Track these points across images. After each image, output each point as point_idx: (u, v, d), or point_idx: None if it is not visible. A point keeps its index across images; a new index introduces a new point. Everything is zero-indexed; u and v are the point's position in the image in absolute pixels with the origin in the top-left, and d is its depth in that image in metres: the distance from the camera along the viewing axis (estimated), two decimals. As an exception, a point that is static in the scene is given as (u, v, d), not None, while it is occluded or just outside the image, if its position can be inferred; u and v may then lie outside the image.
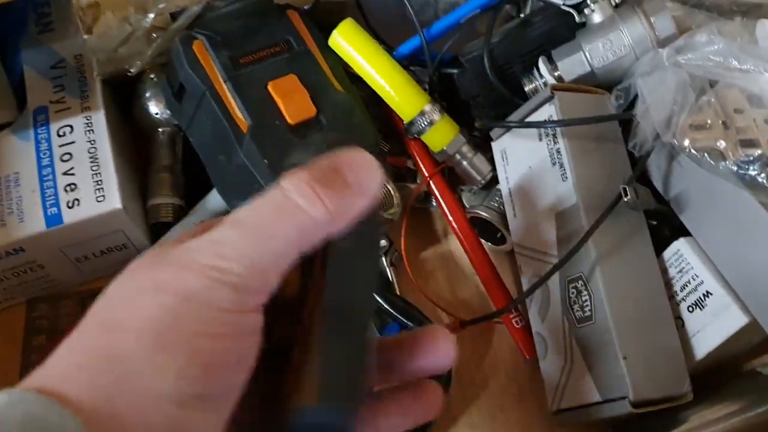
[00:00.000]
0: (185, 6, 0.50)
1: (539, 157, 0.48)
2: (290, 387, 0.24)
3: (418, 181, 0.54)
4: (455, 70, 0.53)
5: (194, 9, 0.50)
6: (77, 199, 0.50)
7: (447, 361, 0.29)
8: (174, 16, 0.51)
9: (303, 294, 0.26)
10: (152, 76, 0.55)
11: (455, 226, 0.53)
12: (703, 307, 0.45)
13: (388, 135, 0.55)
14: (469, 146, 0.52)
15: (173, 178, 0.55)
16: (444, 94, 0.54)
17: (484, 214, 0.51)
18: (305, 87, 0.49)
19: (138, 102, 0.56)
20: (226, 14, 0.51)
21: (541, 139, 0.48)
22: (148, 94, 0.55)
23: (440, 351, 0.29)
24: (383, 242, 0.52)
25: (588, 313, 0.45)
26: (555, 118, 0.47)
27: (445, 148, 0.51)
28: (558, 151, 0.47)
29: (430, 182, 0.53)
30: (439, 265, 0.55)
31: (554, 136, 0.47)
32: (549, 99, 0.47)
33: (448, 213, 0.53)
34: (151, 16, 0.49)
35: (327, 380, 0.23)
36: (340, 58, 0.52)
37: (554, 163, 0.47)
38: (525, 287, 0.49)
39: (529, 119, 0.48)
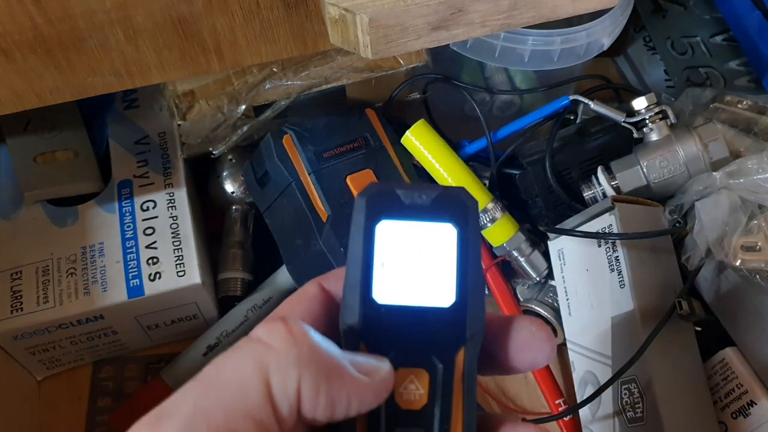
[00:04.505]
0: (275, 99, 0.53)
1: (598, 263, 0.51)
2: None
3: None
4: (515, 171, 0.57)
5: (282, 103, 0.54)
6: (159, 273, 0.52)
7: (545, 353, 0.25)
8: (256, 108, 0.55)
9: None
10: (230, 157, 0.59)
11: (509, 317, 0.56)
12: (747, 415, 0.48)
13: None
14: (527, 243, 0.55)
15: (244, 254, 0.58)
16: (503, 192, 0.58)
17: (539, 309, 0.55)
18: (379, 180, 0.52)
19: (215, 180, 0.59)
20: (306, 102, 0.55)
21: (600, 246, 0.51)
22: (225, 174, 0.59)
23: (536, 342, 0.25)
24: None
25: (639, 414, 0.48)
26: (615, 227, 0.50)
27: (504, 244, 0.55)
28: (617, 259, 0.50)
29: (486, 274, 0.56)
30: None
31: (613, 244, 0.50)
32: (610, 209, 0.51)
33: (502, 305, 0.56)
34: (243, 107, 0.53)
35: None
36: (410, 155, 0.56)
37: (612, 270, 0.50)
38: (576, 382, 0.52)
39: (588, 224, 0.52)
